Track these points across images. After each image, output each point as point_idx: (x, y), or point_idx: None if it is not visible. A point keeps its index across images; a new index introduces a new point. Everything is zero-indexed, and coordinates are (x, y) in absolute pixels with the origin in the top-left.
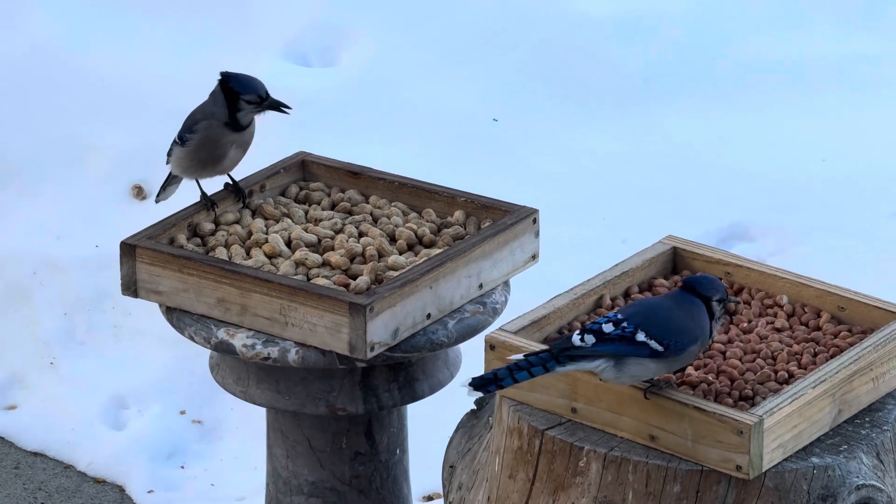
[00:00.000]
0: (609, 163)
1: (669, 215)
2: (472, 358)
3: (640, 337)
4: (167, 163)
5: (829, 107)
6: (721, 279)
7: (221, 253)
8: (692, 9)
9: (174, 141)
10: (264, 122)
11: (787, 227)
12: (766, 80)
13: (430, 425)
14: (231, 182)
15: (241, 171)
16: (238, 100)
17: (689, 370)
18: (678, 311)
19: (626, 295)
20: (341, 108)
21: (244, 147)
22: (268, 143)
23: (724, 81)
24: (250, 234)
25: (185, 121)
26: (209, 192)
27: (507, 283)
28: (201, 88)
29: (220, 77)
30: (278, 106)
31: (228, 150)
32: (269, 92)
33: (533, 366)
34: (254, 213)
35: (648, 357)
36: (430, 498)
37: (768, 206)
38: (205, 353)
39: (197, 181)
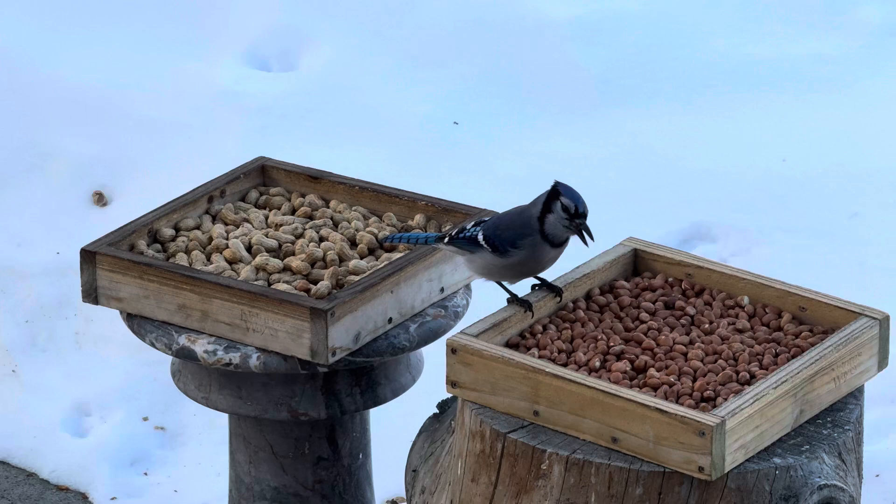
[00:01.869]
0: (570, 165)
1: (631, 217)
2: (434, 362)
3: (479, 238)
4: (465, 260)
5: (789, 107)
6: (682, 280)
7: (182, 259)
8: (652, 10)
9: (476, 239)
10: (222, 127)
11: (749, 227)
12: (727, 81)
13: (393, 429)
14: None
15: (198, 178)
16: (556, 201)
17: (652, 371)
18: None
19: (588, 297)
20: (301, 112)
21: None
22: (227, 149)
23: (685, 83)
24: (210, 239)
25: (500, 224)
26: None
27: (468, 287)
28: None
29: (553, 185)
30: (584, 233)
31: (546, 266)
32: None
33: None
34: (214, 219)
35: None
36: (393, 502)
37: (729, 207)
38: (167, 360)
39: (502, 283)
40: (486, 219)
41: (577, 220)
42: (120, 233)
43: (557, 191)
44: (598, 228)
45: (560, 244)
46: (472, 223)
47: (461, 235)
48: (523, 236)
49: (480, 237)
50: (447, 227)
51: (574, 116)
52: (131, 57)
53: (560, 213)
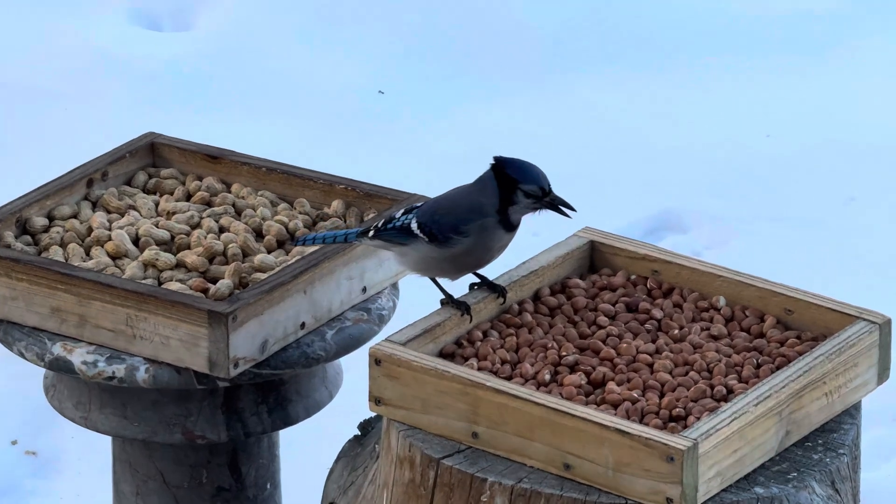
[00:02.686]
0: (515, 141)
1: (587, 203)
2: (355, 374)
3: (413, 226)
4: (396, 254)
5: (773, 74)
6: (647, 278)
7: (56, 253)
8: None
9: (409, 229)
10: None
11: (726, 215)
12: (701, 43)
13: (307, 455)
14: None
15: (76, 157)
16: (516, 190)
17: (611, 386)
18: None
19: (536, 298)
20: (197, 79)
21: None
22: (110, 123)
23: (650, 45)
24: (90, 230)
25: (438, 208)
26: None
27: (395, 286)
28: (32, 59)
29: (493, 162)
30: (561, 206)
31: (494, 256)
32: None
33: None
34: (94, 206)
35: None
36: None
37: (704, 191)
38: (39, 373)
39: (436, 281)
40: (419, 205)
41: (546, 198)
42: None
43: (506, 174)
44: (550, 216)
45: (516, 227)
46: (402, 210)
47: (390, 226)
48: (468, 220)
49: (414, 225)
50: (370, 217)
51: (520, 85)
52: (4, 14)
53: (525, 201)
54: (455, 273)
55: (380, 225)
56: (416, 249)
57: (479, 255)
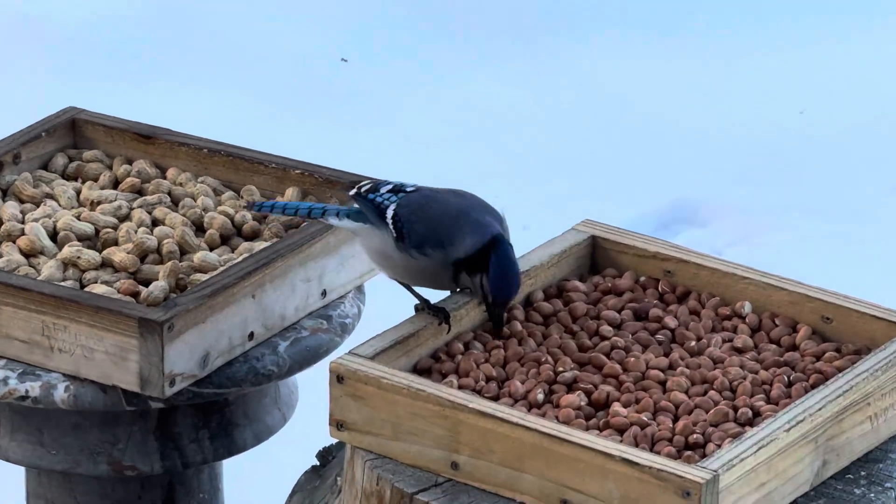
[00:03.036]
0: (502, 119)
1: (588, 192)
2: (312, 393)
3: (389, 212)
4: (362, 234)
5: (807, 38)
6: (659, 280)
7: None
8: None
9: (384, 212)
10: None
11: (752, 206)
12: (722, 4)
13: (256, 489)
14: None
15: None
16: (480, 273)
17: (616, 407)
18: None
19: (528, 303)
20: (127, 45)
21: None
22: (22, 96)
23: (661, 4)
24: (0, 223)
25: (422, 210)
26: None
27: (360, 290)
28: None
29: (490, 237)
30: (495, 322)
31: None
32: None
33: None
34: (4, 194)
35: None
36: None
37: (725, 178)
38: None
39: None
40: (413, 189)
41: (492, 308)
42: None
43: (484, 254)
44: (543, 207)
45: (459, 288)
46: (391, 186)
47: (371, 196)
48: (438, 245)
49: (390, 212)
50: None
51: (508, 52)
52: None
53: (477, 286)
54: (416, 282)
55: (363, 190)
56: (380, 237)
57: (441, 282)
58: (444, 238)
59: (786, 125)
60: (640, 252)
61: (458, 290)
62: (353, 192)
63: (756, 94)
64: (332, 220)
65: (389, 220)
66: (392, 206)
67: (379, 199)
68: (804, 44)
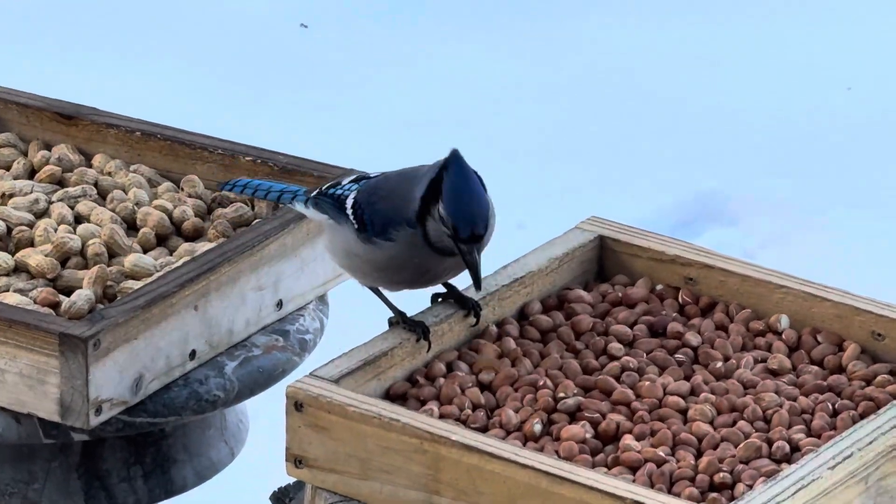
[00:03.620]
0: (491, 97)
1: (594, 182)
2: (266, 423)
3: (348, 202)
4: (326, 235)
5: (855, 6)
6: (679, 289)
7: None
8: None
9: (343, 203)
10: None
11: (790, 201)
12: None
13: None
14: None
15: None
16: (435, 204)
17: (628, 441)
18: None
19: (523, 317)
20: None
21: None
22: None
23: None
24: None
25: (379, 189)
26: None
27: (322, 300)
28: None
29: (449, 154)
30: (469, 268)
31: (441, 276)
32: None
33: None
34: None
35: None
36: None
37: (758, 167)
38: None
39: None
40: (376, 175)
41: (461, 244)
42: None
43: (440, 178)
44: (542, 201)
45: (444, 251)
46: (354, 177)
47: (331, 192)
48: (396, 221)
49: (350, 201)
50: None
51: (498, 18)
52: None
53: (438, 221)
54: (389, 283)
55: (325, 187)
56: (342, 234)
57: (415, 272)
58: (402, 207)
59: (829, 105)
60: (657, 255)
61: (441, 279)
62: (314, 193)
63: (794, 68)
64: (298, 206)
65: (349, 210)
66: (352, 195)
67: (339, 192)
68: (851, 7)
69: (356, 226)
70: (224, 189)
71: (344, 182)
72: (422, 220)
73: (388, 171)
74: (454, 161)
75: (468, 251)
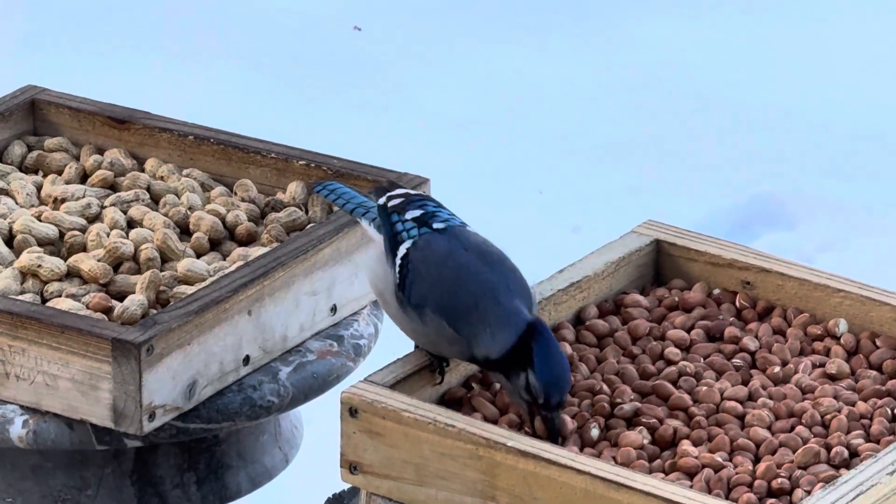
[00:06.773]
0: (543, 98)
1: (651, 187)
2: (320, 429)
3: (401, 249)
4: (370, 251)
5: None
6: (736, 294)
7: None
8: None
9: (397, 246)
10: None
11: (849, 203)
12: None
13: None
14: None
15: None
16: (523, 370)
17: (685, 446)
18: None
19: (579, 322)
20: (97, 9)
21: None
22: None
23: None
24: None
25: (430, 273)
26: None
27: (376, 304)
28: None
29: (528, 323)
30: (551, 431)
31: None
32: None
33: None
34: None
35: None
36: None
37: (817, 168)
38: None
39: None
40: (443, 224)
41: (542, 411)
42: None
43: (526, 346)
44: (597, 204)
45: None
46: (420, 214)
47: (394, 218)
48: (442, 316)
49: (402, 250)
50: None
51: (549, 19)
52: None
53: (521, 387)
54: (411, 339)
55: (390, 204)
56: (384, 270)
57: (438, 350)
58: (454, 316)
59: (888, 104)
60: (714, 259)
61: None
62: (381, 200)
63: (853, 67)
64: (363, 223)
65: (399, 259)
66: (407, 244)
67: (399, 227)
68: None
69: (398, 280)
70: (316, 190)
71: (408, 215)
72: (489, 365)
73: (456, 237)
74: (541, 335)
75: (554, 418)
